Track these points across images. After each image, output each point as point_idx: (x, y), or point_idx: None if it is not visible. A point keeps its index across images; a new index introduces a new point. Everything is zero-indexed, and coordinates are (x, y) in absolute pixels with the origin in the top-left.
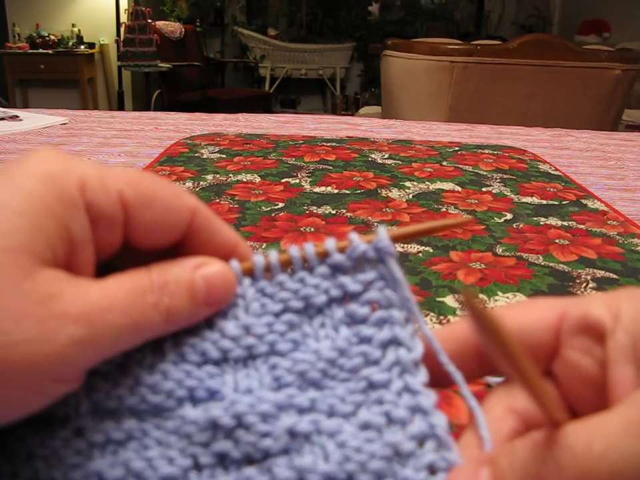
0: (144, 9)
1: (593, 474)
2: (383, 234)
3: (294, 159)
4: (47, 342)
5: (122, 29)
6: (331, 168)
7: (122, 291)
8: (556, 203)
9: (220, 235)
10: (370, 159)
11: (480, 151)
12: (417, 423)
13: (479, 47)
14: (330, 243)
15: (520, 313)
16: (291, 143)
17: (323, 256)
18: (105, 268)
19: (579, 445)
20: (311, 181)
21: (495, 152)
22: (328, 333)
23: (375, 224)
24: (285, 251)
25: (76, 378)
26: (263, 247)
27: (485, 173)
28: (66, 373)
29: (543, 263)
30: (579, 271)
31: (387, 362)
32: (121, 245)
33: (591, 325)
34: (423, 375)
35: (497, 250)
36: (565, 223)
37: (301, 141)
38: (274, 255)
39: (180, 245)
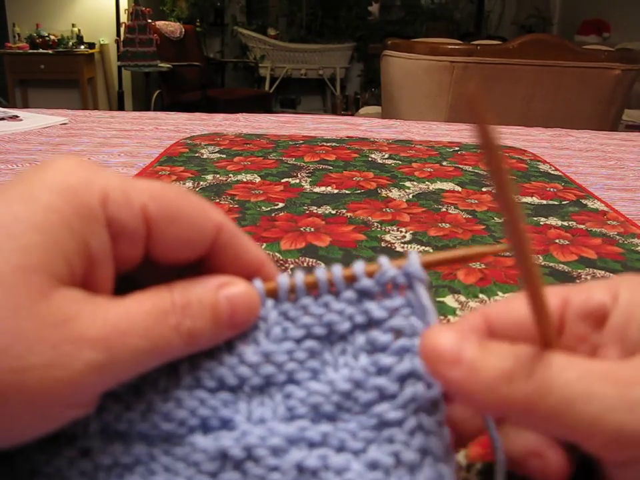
0: (144, 9)
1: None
2: (414, 259)
3: (294, 159)
4: (62, 367)
5: (122, 29)
6: (331, 168)
7: (142, 312)
8: (556, 202)
9: (246, 253)
10: (370, 159)
11: (480, 150)
12: (425, 470)
13: (478, 47)
14: (358, 267)
15: (524, 302)
16: (290, 142)
17: (351, 280)
18: (123, 281)
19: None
20: (311, 181)
21: None
22: (347, 360)
23: (375, 224)
24: (312, 273)
25: (89, 403)
26: (263, 247)
27: (485, 173)
28: (80, 399)
29: (542, 263)
30: (579, 271)
31: (403, 398)
32: (141, 259)
33: (592, 309)
34: (440, 414)
35: None
36: (565, 223)
37: (301, 141)
38: (300, 277)
39: (204, 260)
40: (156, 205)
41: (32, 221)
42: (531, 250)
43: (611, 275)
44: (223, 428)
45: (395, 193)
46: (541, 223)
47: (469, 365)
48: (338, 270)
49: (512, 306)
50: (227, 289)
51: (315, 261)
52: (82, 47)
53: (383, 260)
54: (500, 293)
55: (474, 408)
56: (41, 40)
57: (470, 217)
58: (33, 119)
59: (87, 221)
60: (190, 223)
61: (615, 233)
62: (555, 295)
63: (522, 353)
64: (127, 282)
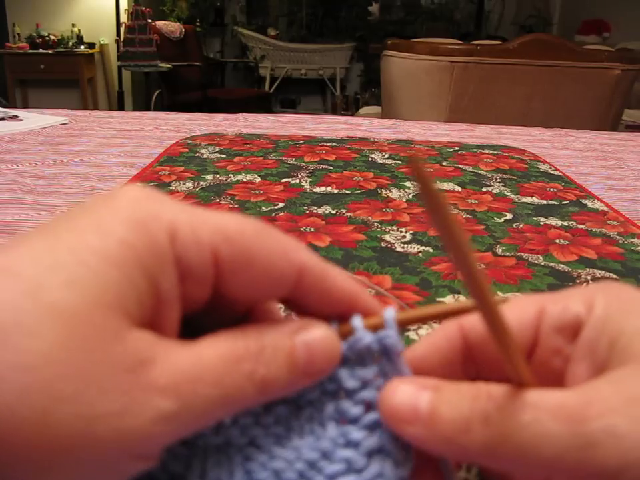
0: (144, 9)
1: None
2: (391, 323)
3: (294, 159)
4: (133, 416)
5: (122, 29)
6: (331, 168)
7: (214, 359)
8: (556, 202)
9: (334, 293)
10: (370, 159)
11: (480, 151)
12: None
13: (478, 47)
14: (332, 325)
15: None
16: (291, 143)
17: None
18: (187, 320)
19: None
20: (311, 181)
21: (495, 152)
22: (314, 428)
23: (375, 224)
24: None
25: (156, 455)
26: None
27: (484, 173)
28: (147, 450)
29: (543, 263)
30: (579, 270)
31: (369, 473)
32: (208, 300)
33: (567, 322)
34: None
35: (497, 250)
36: (565, 223)
37: (301, 141)
38: None
39: (286, 299)
40: (229, 248)
41: (108, 255)
42: (475, 260)
43: (611, 275)
44: None
45: (394, 193)
46: (541, 223)
47: (425, 420)
48: None
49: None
50: (304, 334)
51: None
52: (82, 47)
53: (357, 323)
54: (500, 293)
55: (438, 456)
56: (41, 40)
57: (470, 216)
58: (33, 119)
59: (158, 258)
60: (267, 266)
61: (615, 233)
62: (530, 304)
63: (478, 395)
64: (192, 320)
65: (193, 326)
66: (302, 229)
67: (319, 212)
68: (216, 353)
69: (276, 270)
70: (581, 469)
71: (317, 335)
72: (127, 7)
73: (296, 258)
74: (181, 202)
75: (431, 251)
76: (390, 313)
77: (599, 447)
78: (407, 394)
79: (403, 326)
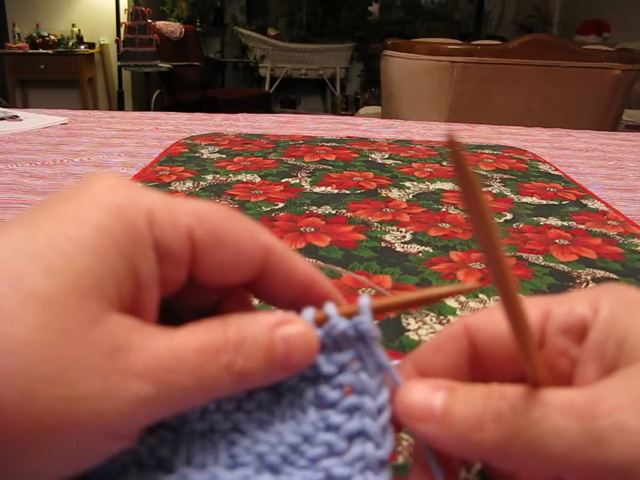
0: (144, 9)
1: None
2: (365, 309)
3: (294, 159)
4: (111, 398)
5: (122, 29)
6: (331, 168)
7: (193, 348)
8: (556, 202)
9: (295, 274)
10: (370, 159)
11: (480, 151)
12: None
13: (479, 47)
14: (307, 316)
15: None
16: (290, 143)
17: None
18: (164, 304)
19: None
20: (311, 181)
21: (495, 152)
22: (295, 413)
23: (375, 224)
24: None
25: (133, 435)
26: None
27: (484, 173)
28: (125, 431)
29: (542, 263)
30: (579, 270)
31: (350, 455)
32: (184, 283)
33: (573, 324)
34: (386, 475)
35: None
36: (565, 223)
37: (301, 141)
38: None
39: (250, 283)
40: (202, 228)
41: (84, 242)
42: (510, 271)
43: (611, 275)
44: (159, 468)
45: (394, 193)
46: (541, 223)
47: (439, 418)
48: None
49: (493, 317)
50: (284, 328)
51: (315, 261)
52: (82, 47)
53: (331, 309)
54: None
55: (452, 455)
56: (41, 40)
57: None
58: (32, 119)
59: (136, 243)
60: (237, 246)
61: (615, 233)
62: (536, 307)
63: (490, 394)
64: (168, 304)
65: (169, 315)
66: (302, 229)
67: (319, 212)
68: (195, 342)
69: (245, 250)
70: (591, 465)
71: (296, 330)
72: (127, 7)
73: (262, 240)
74: (155, 191)
75: (431, 251)
76: (364, 300)
77: (608, 443)
78: (422, 393)
79: (378, 313)
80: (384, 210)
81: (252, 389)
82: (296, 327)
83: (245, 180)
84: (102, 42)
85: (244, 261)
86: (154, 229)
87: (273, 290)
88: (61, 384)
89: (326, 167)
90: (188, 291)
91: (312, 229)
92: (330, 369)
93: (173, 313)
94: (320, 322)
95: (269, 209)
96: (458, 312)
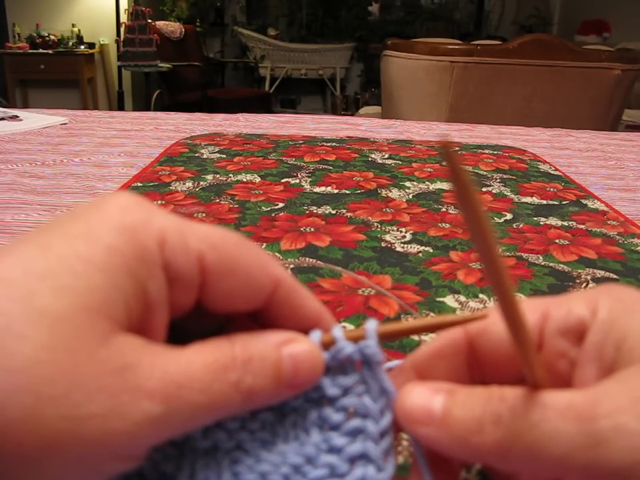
0: (144, 9)
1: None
2: (372, 333)
3: (294, 159)
4: (119, 418)
5: (122, 29)
6: (331, 168)
7: (202, 367)
8: (556, 202)
9: (303, 308)
10: (370, 159)
11: (480, 151)
12: None
13: (479, 47)
14: (315, 336)
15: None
16: (290, 143)
17: None
18: (172, 326)
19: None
20: (311, 181)
21: (495, 152)
22: (298, 434)
23: (375, 224)
24: None
25: (139, 456)
26: (263, 247)
27: (484, 173)
28: (131, 452)
29: (542, 263)
30: (579, 270)
31: (352, 478)
32: (192, 307)
33: (571, 325)
34: None
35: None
36: (565, 223)
37: (301, 141)
38: None
39: (257, 312)
40: (214, 255)
41: (94, 261)
42: (507, 273)
43: (611, 274)
44: None
45: (395, 193)
46: (541, 223)
47: (439, 421)
48: None
49: (491, 319)
50: (291, 347)
51: (315, 261)
52: (82, 47)
53: (338, 333)
54: None
55: (451, 457)
56: (41, 40)
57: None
58: (32, 119)
59: (146, 264)
60: (247, 276)
61: (615, 233)
62: (534, 309)
63: (490, 397)
64: (174, 324)
65: (177, 334)
66: (302, 229)
67: (319, 212)
68: (204, 360)
69: (255, 280)
70: (590, 467)
71: (303, 349)
72: (127, 7)
73: (273, 271)
74: (168, 212)
75: (431, 251)
76: (371, 324)
77: (608, 445)
78: (422, 396)
79: (384, 338)
80: (384, 210)
81: (260, 407)
82: (302, 346)
83: (245, 180)
84: (102, 42)
85: (253, 290)
86: (165, 251)
87: (279, 322)
88: (67, 403)
89: (326, 166)
90: (195, 313)
91: (312, 229)
92: (334, 392)
93: (178, 333)
94: (326, 345)
95: (268, 208)
96: (458, 312)
